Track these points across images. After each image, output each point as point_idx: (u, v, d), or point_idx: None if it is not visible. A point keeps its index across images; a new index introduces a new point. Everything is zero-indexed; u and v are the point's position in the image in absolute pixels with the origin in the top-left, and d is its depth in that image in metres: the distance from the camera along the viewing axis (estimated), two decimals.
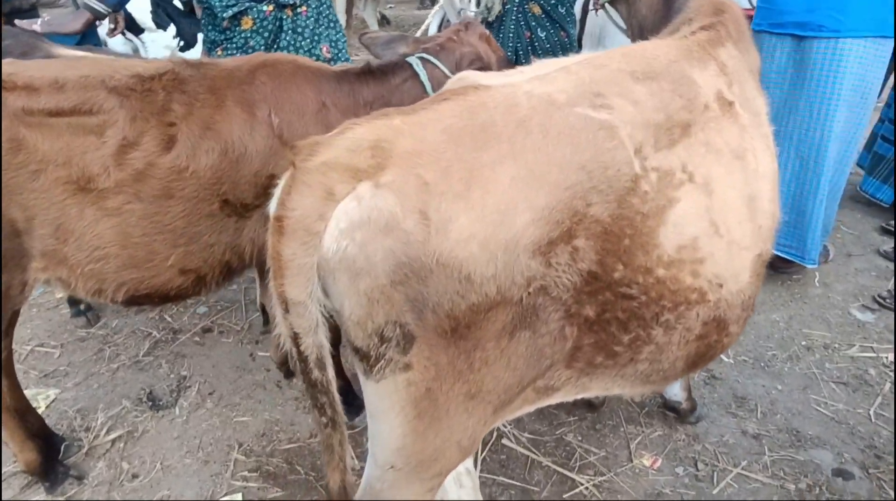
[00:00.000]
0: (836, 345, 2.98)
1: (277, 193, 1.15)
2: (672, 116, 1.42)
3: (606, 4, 2.26)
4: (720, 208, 1.45)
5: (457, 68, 2.10)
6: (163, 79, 1.87)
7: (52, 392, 2.79)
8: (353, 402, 2.51)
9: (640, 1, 2.11)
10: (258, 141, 1.91)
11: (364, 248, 1.10)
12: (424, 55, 2.11)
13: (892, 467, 2.33)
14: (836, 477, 2.30)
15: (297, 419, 2.66)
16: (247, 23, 2.65)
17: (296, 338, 1.17)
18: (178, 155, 1.82)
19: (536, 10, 2.85)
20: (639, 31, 2.17)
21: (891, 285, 3.32)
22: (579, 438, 2.51)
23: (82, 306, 3.28)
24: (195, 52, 4.45)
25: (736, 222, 1.47)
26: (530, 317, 1.25)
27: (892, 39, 2.83)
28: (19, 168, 1.72)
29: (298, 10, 2.70)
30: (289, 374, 2.86)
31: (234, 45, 2.69)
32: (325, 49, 2.79)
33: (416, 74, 2.10)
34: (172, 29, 4.46)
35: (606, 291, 1.32)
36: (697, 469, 2.36)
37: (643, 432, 2.53)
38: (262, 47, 2.69)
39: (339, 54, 2.86)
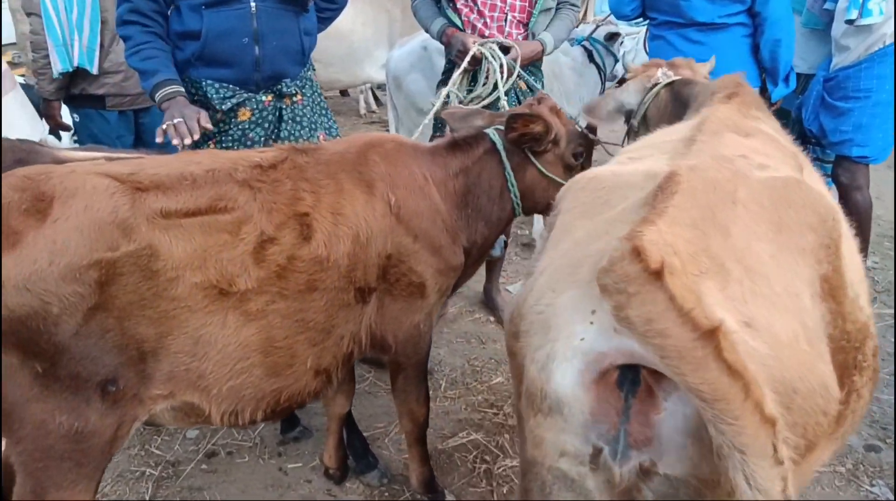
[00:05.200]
0: None
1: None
2: (791, 159, 1.59)
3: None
4: None
5: None
6: (284, 167, 1.74)
7: None
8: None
9: (648, 110, 2.37)
10: (379, 221, 1.85)
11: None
12: (500, 127, 2.21)
13: None
14: None
15: None
16: (244, 114, 2.52)
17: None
18: (318, 245, 1.69)
19: (523, 85, 3.10)
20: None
21: None
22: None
23: None
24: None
25: None
26: None
27: None
28: (153, 277, 1.48)
29: (295, 98, 2.64)
30: (341, 479, 2.61)
31: (231, 138, 2.54)
32: (321, 137, 2.73)
33: (493, 144, 2.18)
34: None
35: None
36: None
37: None
38: (263, 138, 2.57)
39: None
